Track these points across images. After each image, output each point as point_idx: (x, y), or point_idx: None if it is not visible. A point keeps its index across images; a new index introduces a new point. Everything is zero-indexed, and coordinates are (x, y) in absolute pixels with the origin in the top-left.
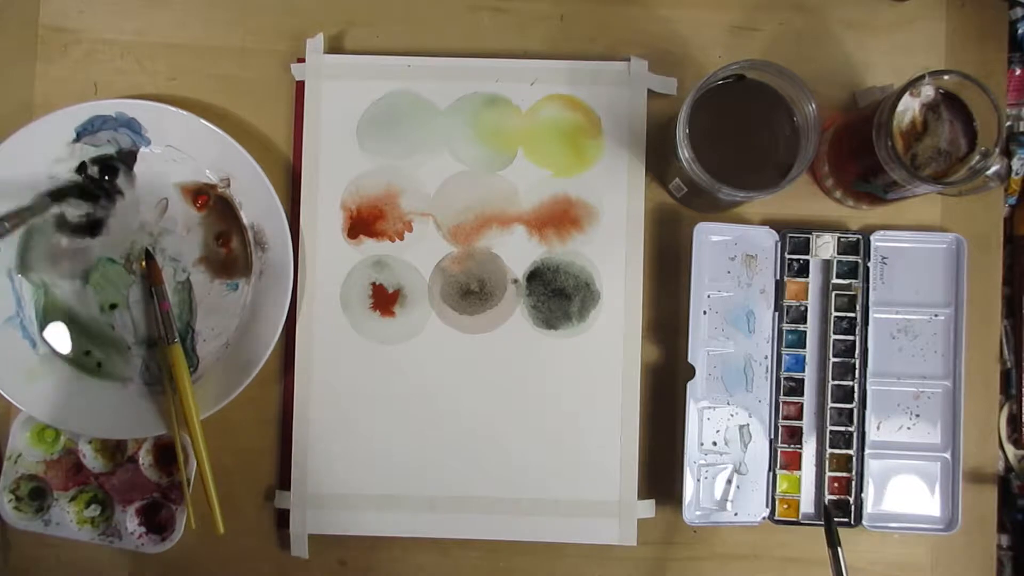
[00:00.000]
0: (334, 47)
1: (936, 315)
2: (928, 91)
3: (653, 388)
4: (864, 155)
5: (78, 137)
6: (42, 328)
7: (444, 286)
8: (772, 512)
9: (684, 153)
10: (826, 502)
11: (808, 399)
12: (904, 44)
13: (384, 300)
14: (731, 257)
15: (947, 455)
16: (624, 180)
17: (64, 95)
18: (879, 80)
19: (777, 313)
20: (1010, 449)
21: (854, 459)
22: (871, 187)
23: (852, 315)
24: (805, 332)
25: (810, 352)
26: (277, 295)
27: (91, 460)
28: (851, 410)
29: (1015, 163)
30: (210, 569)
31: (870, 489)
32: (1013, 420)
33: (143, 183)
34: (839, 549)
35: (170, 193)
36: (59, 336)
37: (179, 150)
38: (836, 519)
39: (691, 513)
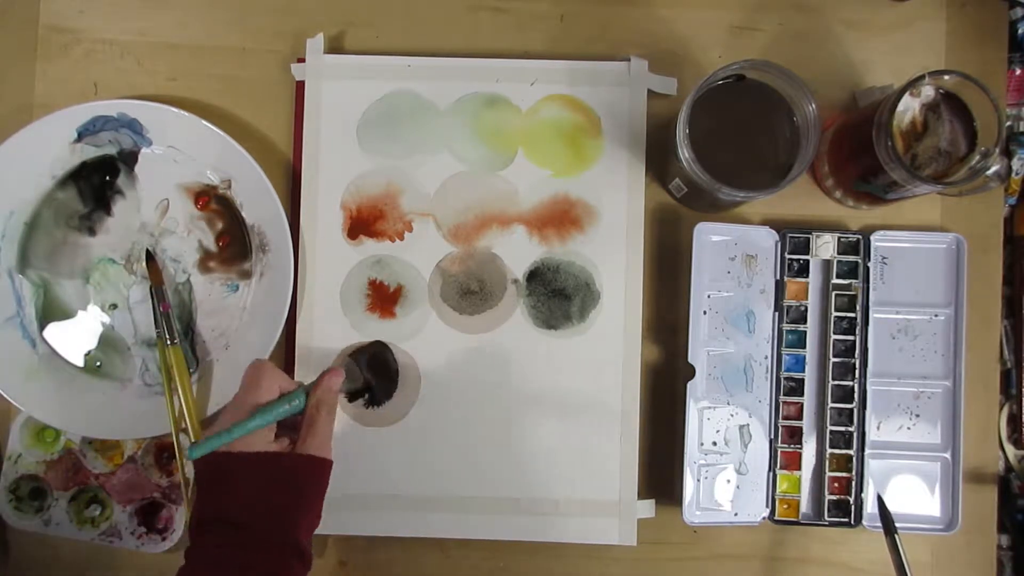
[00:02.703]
0: (334, 47)
1: (936, 315)
2: (928, 91)
3: (653, 388)
4: (864, 155)
5: (79, 137)
6: (42, 328)
7: (444, 286)
8: (772, 512)
9: (684, 153)
10: (879, 494)
11: (808, 399)
12: (904, 44)
13: (384, 299)
14: (731, 257)
15: (947, 455)
16: (624, 180)
17: (64, 95)
18: (879, 80)
19: (777, 313)
20: (1010, 449)
21: (854, 459)
22: (871, 187)
23: (852, 315)
24: (805, 332)
25: (810, 352)
26: (277, 296)
27: (91, 460)
28: (851, 410)
29: (1015, 163)
30: None
31: (870, 489)
32: (1013, 420)
33: (144, 184)
34: (896, 537)
35: (171, 194)
36: (59, 336)
37: (180, 151)
38: (838, 519)
39: (691, 513)
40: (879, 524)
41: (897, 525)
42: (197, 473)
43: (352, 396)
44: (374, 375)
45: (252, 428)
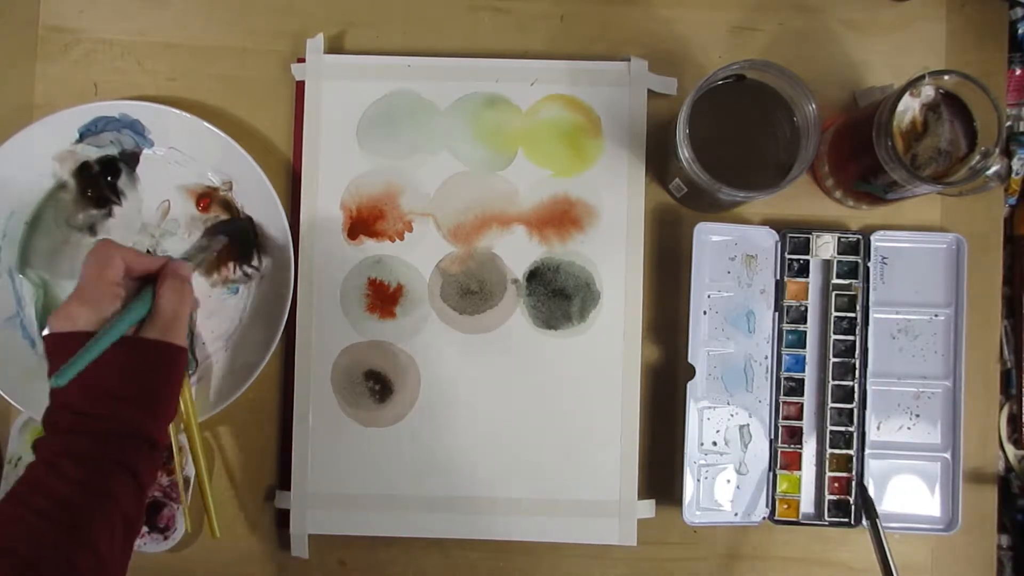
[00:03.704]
0: (334, 47)
1: (936, 315)
2: (928, 91)
3: (653, 388)
4: (864, 155)
5: (81, 138)
6: (42, 328)
7: (444, 286)
8: (772, 512)
9: (684, 153)
10: (861, 482)
11: (808, 399)
12: (904, 44)
13: (384, 299)
14: (731, 257)
15: (947, 455)
16: (624, 180)
17: (64, 95)
18: (879, 80)
19: (777, 313)
20: (1010, 449)
21: (854, 459)
22: (871, 187)
23: (852, 315)
24: (805, 332)
25: (810, 352)
26: (277, 298)
27: None
28: (851, 410)
29: (1015, 163)
30: (210, 568)
31: (870, 489)
32: (1013, 420)
33: (145, 185)
34: (877, 520)
35: (172, 195)
36: None
37: (182, 152)
38: (838, 519)
39: (691, 513)
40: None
41: (897, 525)
42: (48, 356)
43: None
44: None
45: (113, 339)
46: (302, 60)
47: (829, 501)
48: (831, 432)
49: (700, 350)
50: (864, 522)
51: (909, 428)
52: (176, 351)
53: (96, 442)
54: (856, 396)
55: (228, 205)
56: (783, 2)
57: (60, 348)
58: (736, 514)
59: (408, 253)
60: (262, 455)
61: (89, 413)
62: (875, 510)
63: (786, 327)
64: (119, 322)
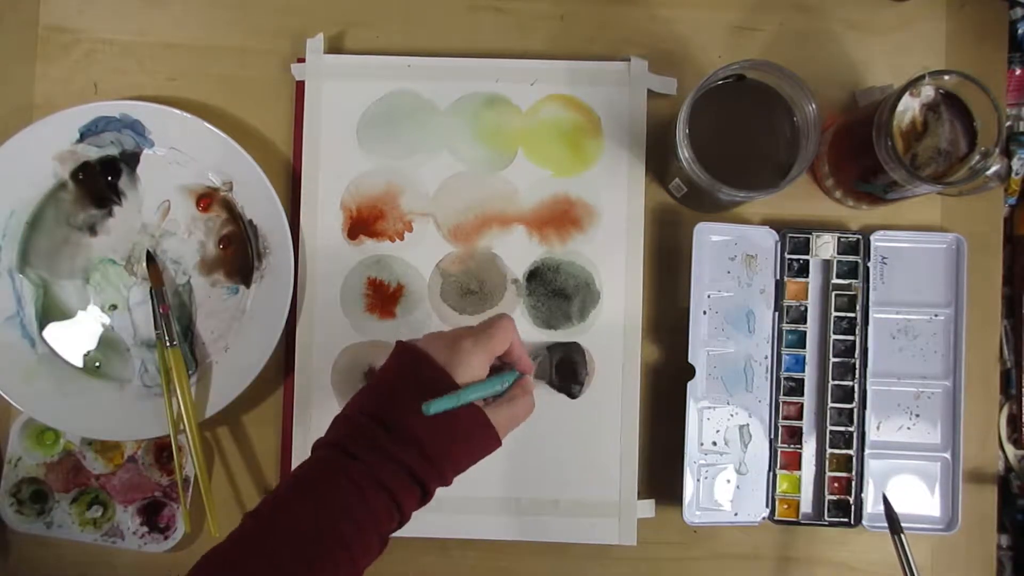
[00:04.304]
0: (334, 47)
1: (936, 315)
2: (928, 91)
3: (653, 388)
4: (864, 155)
5: (82, 137)
6: (42, 328)
7: (444, 286)
8: (772, 512)
9: (684, 153)
10: (884, 494)
11: (808, 399)
12: (904, 44)
13: (384, 299)
14: (731, 257)
15: (947, 455)
16: (624, 180)
17: (64, 95)
18: (879, 80)
19: (777, 313)
20: (1010, 449)
21: (854, 459)
22: (871, 187)
23: (852, 315)
24: (805, 332)
25: (810, 352)
26: (277, 298)
27: (91, 461)
28: (851, 410)
29: (1015, 163)
30: None
31: (870, 489)
32: (1013, 420)
33: (146, 185)
34: (902, 536)
35: (173, 195)
36: (58, 336)
37: (182, 152)
38: (838, 519)
39: (691, 513)
40: (879, 524)
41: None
42: (394, 355)
43: None
44: (560, 377)
45: (478, 397)
46: (302, 60)
47: (829, 501)
48: (831, 432)
49: (700, 350)
50: (891, 537)
51: (909, 428)
52: (495, 444)
53: (392, 471)
54: (856, 396)
55: (228, 205)
56: (783, 2)
57: (412, 363)
58: (736, 514)
59: (408, 253)
60: (262, 455)
61: (391, 426)
62: (900, 525)
63: (786, 327)
64: (491, 385)
